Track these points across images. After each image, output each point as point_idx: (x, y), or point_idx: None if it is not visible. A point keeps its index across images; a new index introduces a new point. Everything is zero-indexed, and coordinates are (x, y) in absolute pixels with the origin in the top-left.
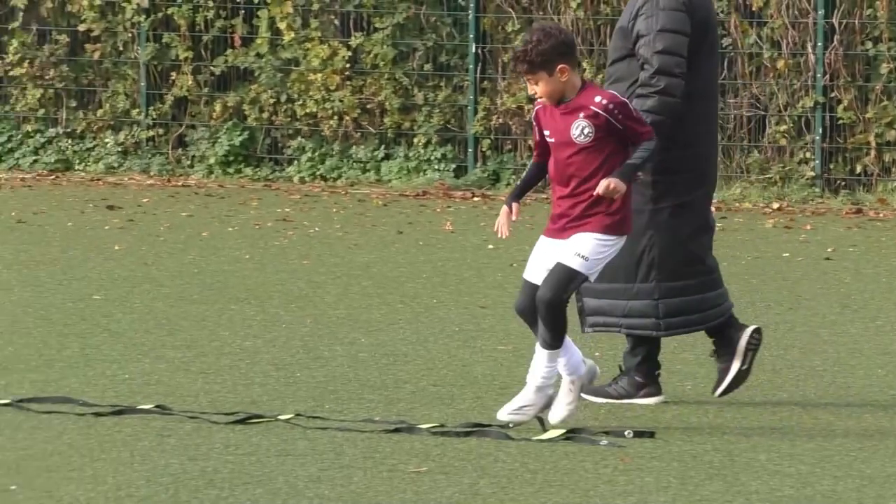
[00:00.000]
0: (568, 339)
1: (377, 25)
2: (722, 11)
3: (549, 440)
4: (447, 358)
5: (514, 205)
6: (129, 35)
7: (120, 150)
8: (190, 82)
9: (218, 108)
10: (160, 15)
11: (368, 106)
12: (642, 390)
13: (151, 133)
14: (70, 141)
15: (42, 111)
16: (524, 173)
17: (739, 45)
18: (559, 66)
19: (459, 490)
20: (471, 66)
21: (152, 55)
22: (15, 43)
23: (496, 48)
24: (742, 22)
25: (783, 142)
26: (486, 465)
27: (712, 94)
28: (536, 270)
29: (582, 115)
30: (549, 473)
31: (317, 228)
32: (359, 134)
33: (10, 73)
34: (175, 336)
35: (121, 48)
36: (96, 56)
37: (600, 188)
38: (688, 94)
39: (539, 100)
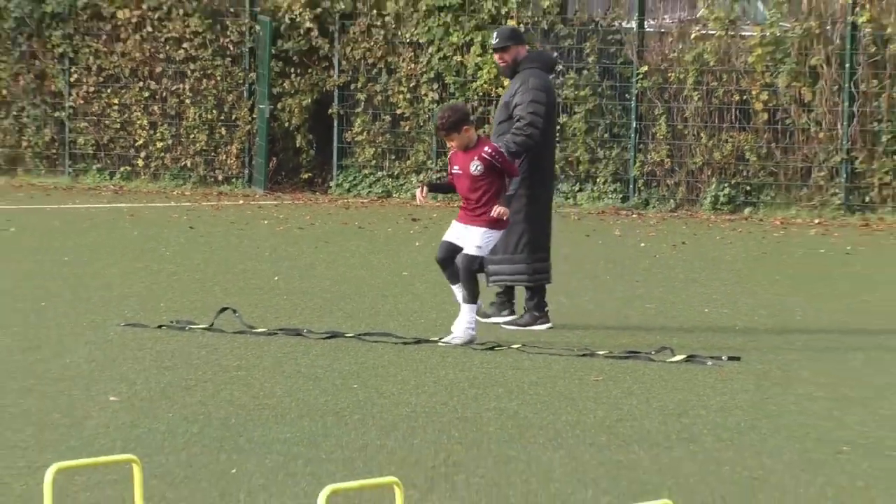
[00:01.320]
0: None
1: (576, 110)
2: (787, 102)
3: (676, 362)
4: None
5: (426, 189)
6: (427, 115)
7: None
8: None
9: None
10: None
11: (570, 159)
12: (538, 322)
13: (438, 175)
14: (390, 179)
15: (374, 161)
16: (444, 180)
17: (796, 124)
18: (464, 128)
19: (620, 391)
20: (632, 136)
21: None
22: (358, 121)
23: (648, 125)
24: (798, 109)
25: (822, 182)
26: (637, 376)
27: (552, 143)
28: (450, 236)
29: (476, 157)
30: (676, 381)
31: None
32: (563, 175)
33: (356, 139)
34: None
35: (421, 123)
36: (406, 128)
37: (495, 213)
38: (543, 142)
39: (453, 147)
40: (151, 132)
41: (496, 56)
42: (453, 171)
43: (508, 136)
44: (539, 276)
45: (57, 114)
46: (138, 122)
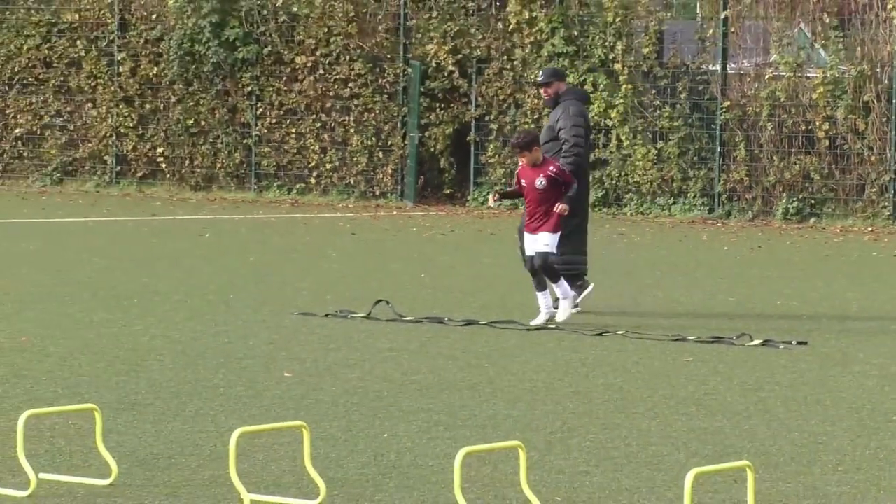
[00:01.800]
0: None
1: (670, 137)
2: (844, 131)
3: (754, 345)
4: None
5: (498, 195)
6: None
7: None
8: None
9: None
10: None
11: (665, 177)
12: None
13: (504, 185)
14: None
15: (503, 179)
16: (510, 188)
17: (852, 149)
18: (533, 147)
19: (707, 370)
20: (716, 158)
21: None
22: (491, 146)
23: (730, 149)
24: (854, 137)
25: (874, 197)
26: (721, 357)
27: (587, 161)
28: (530, 249)
29: (542, 174)
30: (753, 362)
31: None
32: (659, 191)
33: (489, 161)
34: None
35: None
36: None
37: (558, 209)
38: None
39: (522, 163)
40: (322, 156)
41: (541, 90)
42: (521, 183)
43: (562, 158)
44: (573, 266)
45: (245, 141)
46: (311, 147)
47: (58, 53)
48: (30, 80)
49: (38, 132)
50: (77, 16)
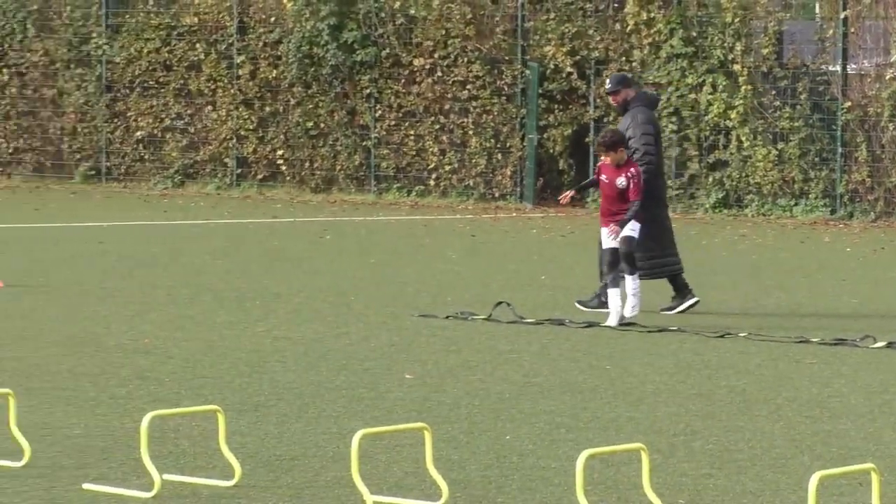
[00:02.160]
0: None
1: (791, 138)
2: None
3: (878, 347)
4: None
5: (572, 193)
6: (667, 143)
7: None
8: None
9: None
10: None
11: (786, 178)
12: (685, 299)
13: (582, 183)
14: None
15: None
16: (589, 181)
17: None
18: (619, 148)
19: (831, 372)
20: (838, 159)
21: None
22: None
23: (851, 150)
24: None
25: None
26: (844, 360)
27: (661, 166)
28: (607, 243)
29: (624, 175)
30: (877, 364)
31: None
32: (780, 192)
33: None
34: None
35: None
36: None
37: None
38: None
39: (605, 161)
40: (441, 158)
41: (610, 97)
42: (601, 179)
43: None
44: (658, 269)
45: (364, 143)
46: (430, 149)
47: (178, 56)
48: (150, 83)
49: (159, 135)
50: (196, 19)
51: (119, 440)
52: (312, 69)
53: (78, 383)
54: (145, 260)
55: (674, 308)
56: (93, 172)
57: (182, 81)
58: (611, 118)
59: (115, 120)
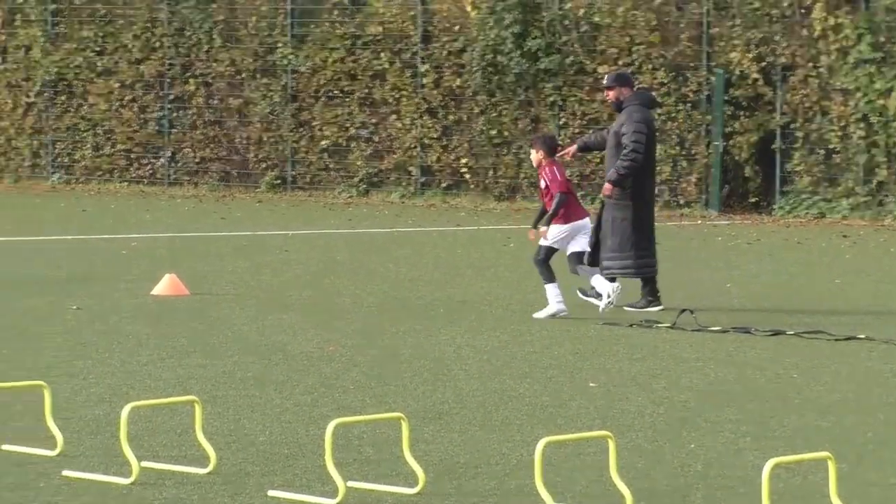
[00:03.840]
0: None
1: None
2: None
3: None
4: None
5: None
6: (855, 149)
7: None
8: None
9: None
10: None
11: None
12: (650, 305)
13: None
14: (823, 203)
15: (810, 188)
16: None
17: None
18: (535, 148)
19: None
20: None
21: None
22: (797, 154)
23: None
24: None
25: None
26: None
27: (652, 165)
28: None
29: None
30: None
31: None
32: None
33: (795, 170)
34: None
35: (850, 156)
36: (837, 160)
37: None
38: (645, 164)
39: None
40: None
41: (605, 92)
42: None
43: (618, 161)
44: (645, 269)
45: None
46: None
47: (362, 66)
48: (335, 92)
49: (344, 144)
50: (381, 28)
51: (304, 447)
52: (496, 77)
53: (263, 391)
54: (330, 268)
55: (639, 307)
56: (278, 181)
57: (366, 90)
58: (798, 124)
59: (301, 129)
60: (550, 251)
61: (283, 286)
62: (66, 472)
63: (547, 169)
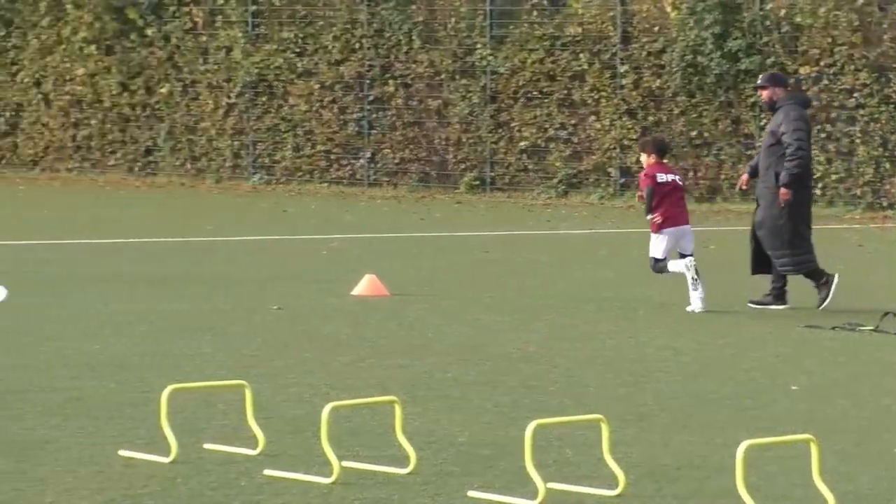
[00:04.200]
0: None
1: None
2: None
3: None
4: None
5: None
6: None
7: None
8: None
9: None
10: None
11: None
12: (775, 302)
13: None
14: None
15: None
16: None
17: None
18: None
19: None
20: None
21: None
22: None
23: None
24: None
25: None
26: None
27: (810, 164)
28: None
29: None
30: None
31: None
32: None
33: None
34: None
35: None
36: None
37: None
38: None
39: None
40: (827, 166)
41: (759, 91)
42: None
43: (785, 163)
44: (805, 265)
45: (749, 152)
46: (816, 157)
47: (561, 67)
48: (534, 93)
49: (543, 145)
50: (580, 29)
51: (504, 448)
52: (696, 78)
53: (463, 391)
54: (529, 269)
55: (765, 304)
56: (477, 182)
57: (565, 91)
58: None
59: (499, 130)
60: (660, 261)
61: (482, 287)
62: (267, 472)
63: (648, 170)
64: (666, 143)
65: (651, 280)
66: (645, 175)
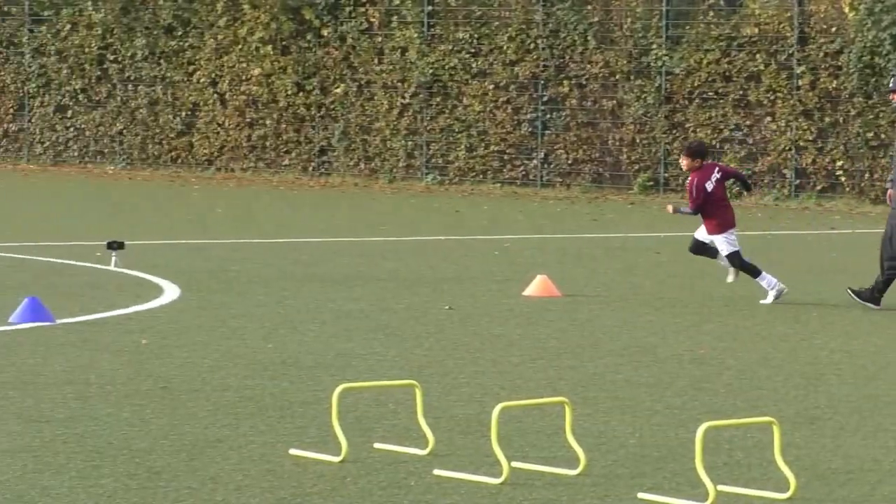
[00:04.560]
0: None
1: None
2: None
3: None
4: None
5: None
6: None
7: None
8: None
9: None
10: None
11: None
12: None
13: None
14: None
15: None
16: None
17: None
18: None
19: None
20: None
21: None
22: None
23: None
24: None
25: None
26: None
27: None
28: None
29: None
30: None
31: None
32: None
33: None
34: None
35: None
36: None
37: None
38: None
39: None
40: None
41: (891, 95)
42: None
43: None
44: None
45: None
46: None
47: (737, 67)
48: (709, 94)
49: (718, 146)
50: (756, 29)
51: (674, 450)
52: (873, 79)
53: (634, 393)
54: (701, 271)
55: (863, 298)
56: (651, 183)
57: (741, 92)
58: None
59: (674, 131)
60: (735, 255)
61: (654, 288)
62: (436, 471)
63: (693, 180)
64: (703, 145)
65: (825, 283)
66: (691, 198)
